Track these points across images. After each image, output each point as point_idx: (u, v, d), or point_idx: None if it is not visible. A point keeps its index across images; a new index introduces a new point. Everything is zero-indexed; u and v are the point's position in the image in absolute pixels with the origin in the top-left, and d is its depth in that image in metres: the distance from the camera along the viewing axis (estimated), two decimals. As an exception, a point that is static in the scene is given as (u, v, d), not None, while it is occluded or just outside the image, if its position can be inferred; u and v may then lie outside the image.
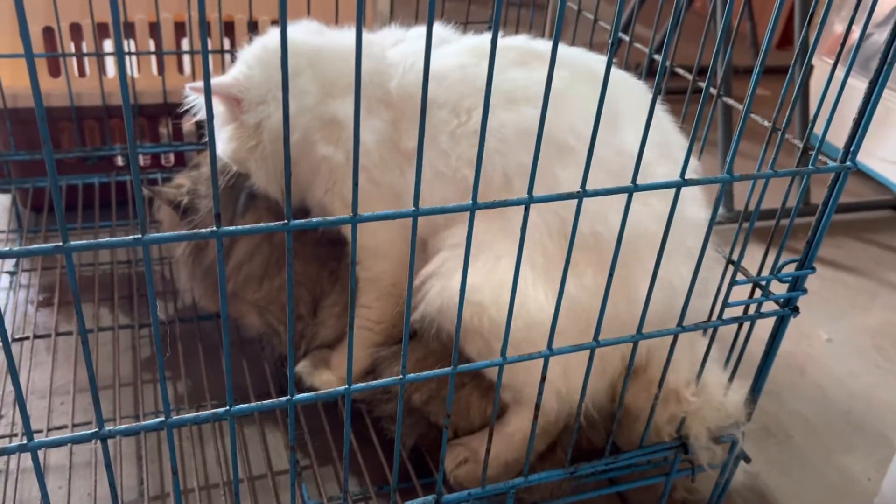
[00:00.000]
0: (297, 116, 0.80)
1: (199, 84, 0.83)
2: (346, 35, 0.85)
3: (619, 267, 0.66)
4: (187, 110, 0.87)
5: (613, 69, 0.81)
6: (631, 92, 0.81)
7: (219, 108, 0.83)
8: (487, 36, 0.83)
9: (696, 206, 0.78)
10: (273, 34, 0.85)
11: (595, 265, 0.73)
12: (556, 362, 0.72)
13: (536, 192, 0.72)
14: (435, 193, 0.78)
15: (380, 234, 0.83)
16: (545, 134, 0.72)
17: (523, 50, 0.80)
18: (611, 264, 0.64)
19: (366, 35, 0.85)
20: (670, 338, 0.73)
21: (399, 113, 0.79)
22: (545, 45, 0.81)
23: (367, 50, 0.82)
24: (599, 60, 0.81)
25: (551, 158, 0.73)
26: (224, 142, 0.84)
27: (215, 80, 0.82)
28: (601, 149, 0.72)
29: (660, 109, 0.82)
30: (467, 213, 0.75)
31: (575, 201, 0.60)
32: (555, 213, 0.73)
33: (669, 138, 0.79)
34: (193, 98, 0.86)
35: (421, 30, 0.85)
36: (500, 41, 0.82)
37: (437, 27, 0.85)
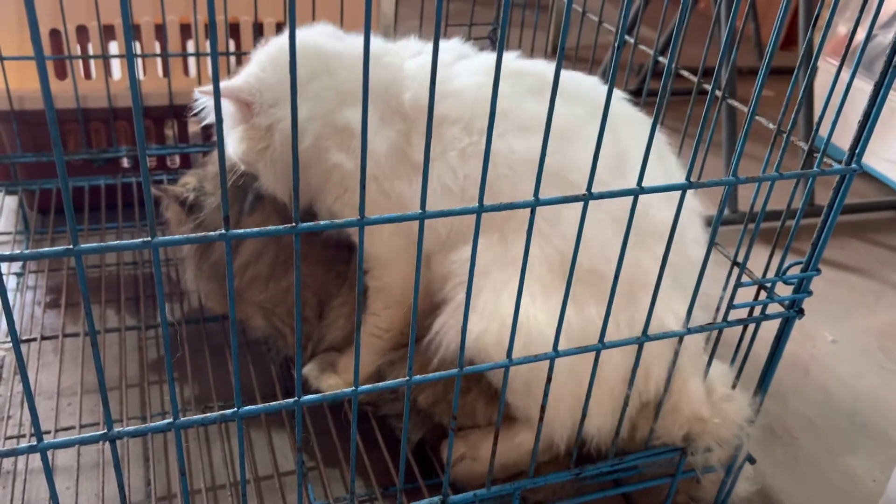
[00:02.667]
0: (309, 122, 0.80)
1: (209, 87, 0.83)
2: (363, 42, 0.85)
3: (622, 309, 0.68)
4: (196, 113, 0.87)
5: (630, 107, 0.81)
6: (642, 134, 0.81)
7: (229, 109, 0.82)
8: (506, 56, 0.82)
9: (698, 246, 0.78)
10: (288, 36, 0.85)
11: (596, 298, 0.73)
12: (566, 402, 0.73)
13: (540, 227, 0.73)
14: (441, 205, 0.78)
15: (389, 243, 0.83)
16: (554, 169, 0.72)
17: (541, 78, 0.79)
18: (615, 276, 0.64)
19: (385, 45, 0.85)
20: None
21: (412, 124, 0.79)
22: (565, 75, 0.80)
23: (386, 59, 0.81)
24: (617, 97, 0.81)
25: (555, 192, 0.73)
26: (234, 142, 0.84)
27: (225, 84, 0.81)
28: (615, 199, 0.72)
29: (666, 150, 0.82)
30: (471, 234, 0.76)
31: (579, 242, 0.62)
32: (556, 250, 0.74)
33: (672, 175, 0.79)
34: (203, 101, 0.86)
35: (440, 43, 0.84)
36: (521, 64, 0.82)
37: (455, 42, 0.85)
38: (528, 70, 0.81)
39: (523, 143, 0.75)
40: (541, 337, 0.72)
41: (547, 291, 0.73)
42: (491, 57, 0.83)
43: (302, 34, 0.83)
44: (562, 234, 0.73)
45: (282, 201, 0.89)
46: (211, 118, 0.87)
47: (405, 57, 0.83)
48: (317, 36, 0.83)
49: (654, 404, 0.78)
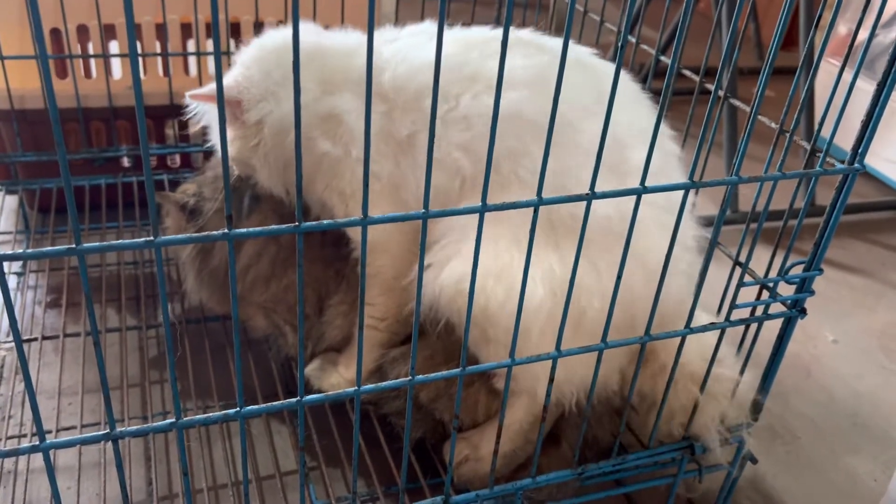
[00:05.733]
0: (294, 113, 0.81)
1: (200, 91, 0.84)
2: (344, 35, 0.87)
3: (606, 252, 0.68)
4: (190, 117, 0.88)
5: (599, 61, 0.82)
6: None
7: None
8: (473, 29, 0.85)
9: (690, 227, 0.79)
10: (269, 35, 0.87)
11: (576, 245, 0.73)
12: (550, 348, 0.73)
13: (524, 178, 0.74)
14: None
15: (379, 227, 0.83)
16: (528, 117, 0.75)
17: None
18: (617, 272, 0.64)
19: (362, 35, 0.87)
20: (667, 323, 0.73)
21: (392, 104, 0.80)
22: (528, 34, 0.83)
23: (363, 48, 0.83)
24: (584, 50, 0.83)
25: (533, 141, 0.75)
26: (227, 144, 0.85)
27: (213, 86, 0.83)
28: (588, 137, 0.74)
29: (644, 99, 0.83)
30: (459, 196, 0.77)
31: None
32: (535, 192, 0.74)
33: (649, 124, 0.80)
34: (195, 105, 0.86)
35: (414, 28, 0.86)
36: (487, 32, 0.84)
37: (429, 24, 0.87)
38: (494, 36, 0.83)
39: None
40: (527, 298, 0.72)
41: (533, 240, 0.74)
42: (462, 30, 0.84)
43: (282, 33, 0.86)
44: (547, 183, 0.74)
45: (279, 200, 0.90)
46: (205, 121, 0.88)
47: (382, 44, 0.84)
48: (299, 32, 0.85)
49: (646, 358, 0.78)
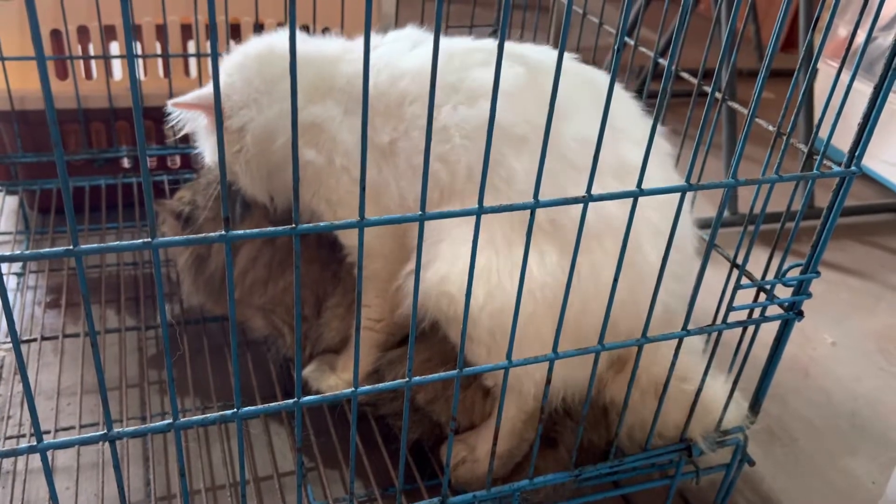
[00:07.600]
0: (280, 120, 0.82)
1: (181, 99, 0.85)
2: (326, 42, 0.88)
3: (584, 254, 0.68)
4: (172, 125, 0.89)
5: (569, 61, 0.83)
6: (589, 83, 0.82)
7: (203, 119, 0.86)
8: (457, 38, 0.86)
9: (686, 231, 0.80)
10: (252, 42, 0.88)
11: (556, 248, 0.74)
12: (531, 348, 0.73)
13: (496, 185, 0.75)
14: (413, 187, 0.79)
15: (371, 231, 0.84)
16: (503, 126, 0.75)
17: (488, 51, 0.82)
18: (616, 266, 0.64)
19: (347, 43, 0.87)
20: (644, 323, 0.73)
21: (373, 110, 0.81)
22: (512, 46, 0.83)
23: (347, 56, 0.85)
24: (555, 54, 0.83)
25: (506, 149, 0.75)
26: (210, 150, 0.88)
27: (197, 93, 0.85)
28: (563, 140, 0.74)
29: (622, 95, 0.84)
30: (438, 206, 0.78)
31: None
32: (509, 199, 0.75)
33: (621, 122, 0.79)
34: (177, 114, 0.87)
35: (395, 34, 0.87)
36: (470, 43, 0.85)
37: (411, 30, 0.87)
38: (477, 47, 0.83)
39: (472, 110, 0.77)
40: (500, 288, 0.74)
41: (509, 244, 0.75)
42: (445, 39, 0.85)
43: (264, 40, 0.87)
44: (518, 191, 0.75)
45: (267, 205, 0.91)
46: (189, 128, 0.89)
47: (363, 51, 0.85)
48: (281, 40, 0.87)
49: (623, 364, 0.79)
